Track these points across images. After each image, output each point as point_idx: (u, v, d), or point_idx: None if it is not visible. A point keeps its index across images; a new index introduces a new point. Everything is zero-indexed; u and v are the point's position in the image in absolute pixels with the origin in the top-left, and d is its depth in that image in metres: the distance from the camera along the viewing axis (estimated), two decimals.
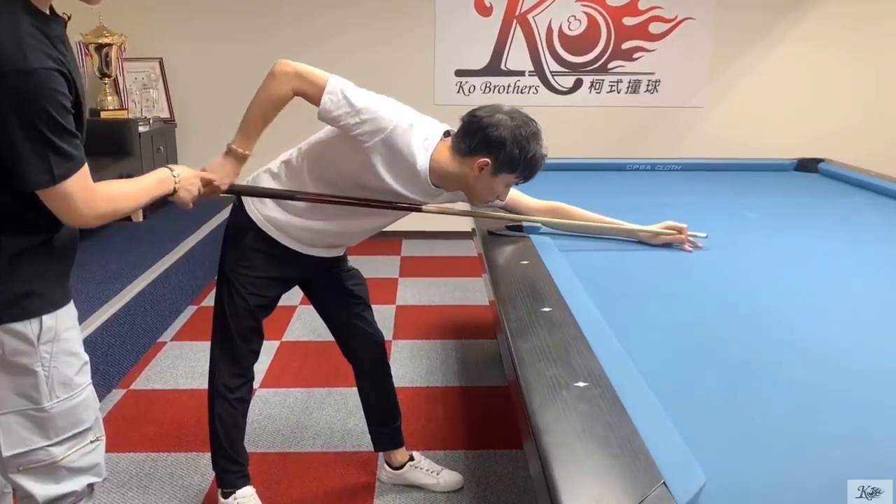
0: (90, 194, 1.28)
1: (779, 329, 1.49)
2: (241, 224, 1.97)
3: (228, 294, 1.99)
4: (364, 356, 2.21)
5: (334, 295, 2.16)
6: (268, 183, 1.96)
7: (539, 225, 2.03)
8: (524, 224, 2.02)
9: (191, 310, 3.81)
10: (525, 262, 1.67)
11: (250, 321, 2.02)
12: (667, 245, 2.01)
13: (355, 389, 2.29)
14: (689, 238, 2.00)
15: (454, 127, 1.87)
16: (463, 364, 3.20)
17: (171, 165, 1.58)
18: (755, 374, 1.29)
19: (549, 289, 1.48)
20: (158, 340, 3.40)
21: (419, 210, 1.91)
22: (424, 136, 1.80)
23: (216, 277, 2.05)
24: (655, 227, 2.01)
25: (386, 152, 1.76)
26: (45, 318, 1.32)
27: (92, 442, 1.47)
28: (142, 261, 3.56)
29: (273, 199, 1.92)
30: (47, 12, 1.24)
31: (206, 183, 1.70)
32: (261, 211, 1.95)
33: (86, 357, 1.46)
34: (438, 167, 1.80)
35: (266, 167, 2.00)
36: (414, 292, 4.11)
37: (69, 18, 1.31)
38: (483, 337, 3.49)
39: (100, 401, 2.83)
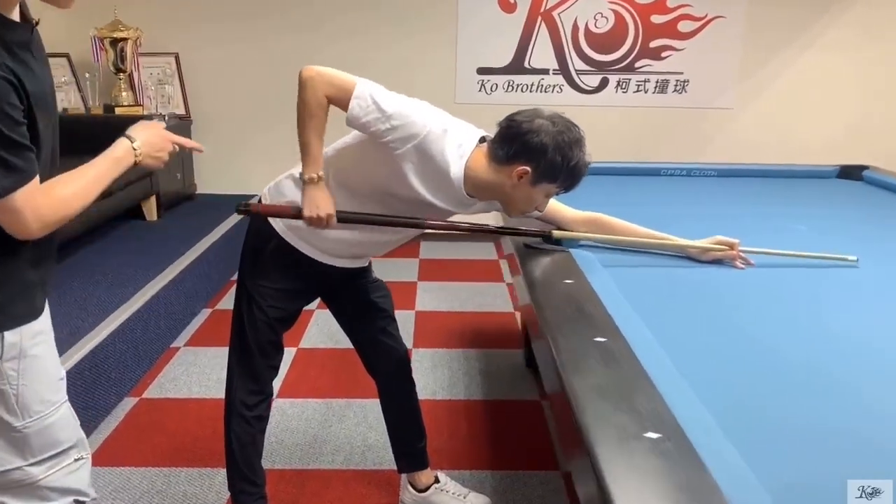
0: (37, 206, 1.19)
1: (862, 357, 1.36)
2: (262, 232, 1.86)
3: (248, 306, 1.88)
4: (389, 374, 2.10)
5: (358, 308, 2.05)
6: (290, 189, 1.84)
7: (578, 238, 1.89)
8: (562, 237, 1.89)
9: (205, 313, 3.71)
10: (569, 282, 1.54)
11: (270, 335, 1.91)
12: (716, 261, 1.87)
13: (375, 401, 2.18)
14: (741, 254, 1.87)
15: (490, 132, 1.75)
16: (486, 375, 3.07)
17: (129, 132, 1.39)
18: (847, 411, 1.15)
19: (600, 313, 1.35)
20: (171, 346, 3.29)
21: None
22: (459, 143, 1.68)
23: (235, 286, 1.94)
24: (705, 243, 1.87)
25: (418, 160, 1.65)
26: (6, 334, 1.24)
27: (76, 461, 1.41)
28: (155, 263, 3.46)
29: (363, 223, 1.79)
30: (12, 17, 1.16)
31: (182, 143, 1.54)
32: (283, 219, 1.83)
33: (61, 373, 1.39)
34: (473, 175, 1.68)
35: (288, 173, 1.88)
36: (433, 297, 3.99)
37: (37, 23, 1.22)
38: (507, 346, 3.37)
39: (111, 410, 2.76)
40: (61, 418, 1.38)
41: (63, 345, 2.50)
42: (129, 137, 1.39)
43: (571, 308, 1.38)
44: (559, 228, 1.92)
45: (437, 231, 1.86)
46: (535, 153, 1.61)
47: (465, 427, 2.65)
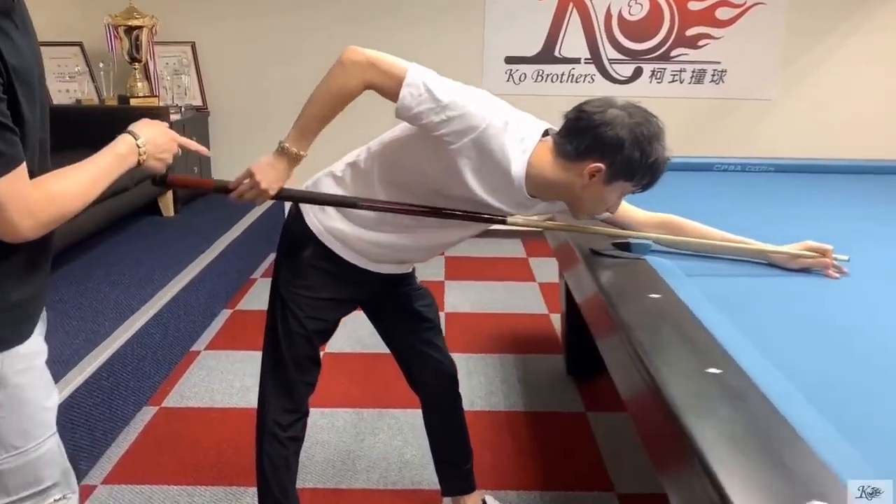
0: (25, 200, 1.01)
1: None
2: (298, 236, 1.68)
3: (283, 317, 1.71)
4: (434, 389, 1.92)
5: (401, 318, 1.87)
6: (330, 189, 1.67)
7: (650, 242, 1.70)
8: (632, 241, 1.70)
9: (225, 314, 3.54)
10: (656, 296, 1.35)
11: (307, 349, 1.73)
12: (804, 269, 1.68)
13: (410, 411, 2.02)
14: (834, 262, 1.67)
15: (555, 125, 1.57)
16: (525, 384, 2.89)
17: (133, 128, 1.24)
18: None
19: (704, 337, 1.16)
20: (192, 349, 3.12)
21: (503, 223, 1.61)
22: (521, 137, 1.49)
23: (269, 295, 1.76)
24: (793, 249, 1.68)
25: (476, 156, 1.46)
26: None
27: (57, 501, 1.25)
28: (173, 262, 3.29)
29: (334, 206, 1.62)
30: None
31: (186, 146, 1.39)
32: (322, 221, 1.65)
33: (50, 402, 1.23)
34: (537, 174, 1.49)
35: (328, 170, 1.71)
36: (463, 298, 3.81)
37: None
38: (544, 351, 3.18)
39: (129, 420, 2.59)
40: (45, 454, 1.21)
41: (79, 352, 2.35)
42: (132, 134, 1.23)
43: (668, 329, 1.19)
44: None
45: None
46: (610, 148, 1.43)
47: (509, 442, 2.47)
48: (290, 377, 1.73)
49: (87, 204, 1.13)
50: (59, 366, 2.24)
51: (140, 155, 1.22)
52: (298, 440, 1.81)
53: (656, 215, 1.75)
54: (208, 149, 4.54)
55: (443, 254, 4.49)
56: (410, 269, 1.85)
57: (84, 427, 2.22)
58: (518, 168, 1.48)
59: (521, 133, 1.50)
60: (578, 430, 2.54)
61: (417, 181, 1.57)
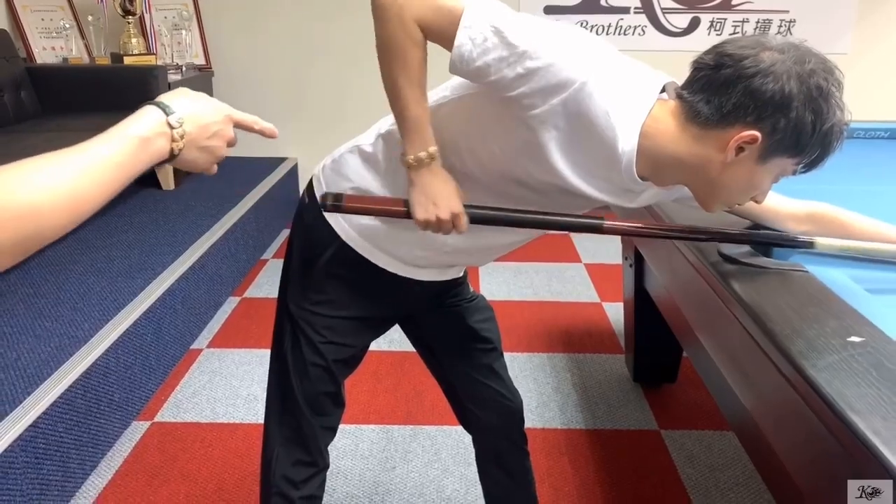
0: None
1: None
2: (314, 236, 1.23)
3: (294, 344, 1.27)
4: (495, 431, 1.47)
5: (450, 338, 1.42)
6: (356, 167, 1.22)
7: (800, 245, 1.23)
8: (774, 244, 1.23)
9: (232, 302, 3.10)
10: (857, 340, 0.88)
11: (326, 384, 1.29)
12: None
13: (447, 428, 1.62)
14: None
15: (679, 78, 1.10)
16: (584, 392, 2.44)
17: (165, 98, 0.76)
18: None
19: None
20: (192, 348, 2.70)
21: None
22: (631, 96, 1.02)
23: (276, 314, 1.32)
24: None
25: (567, 124, 1.00)
26: None
27: None
28: (172, 243, 2.86)
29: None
30: None
31: (247, 127, 0.88)
32: (346, 217, 1.19)
33: None
34: (653, 147, 1.03)
35: (353, 143, 1.25)
36: (501, 282, 3.35)
37: None
38: (601, 349, 2.73)
39: (116, 440, 2.17)
40: None
41: (49, 363, 1.92)
42: (161, 106, 0.75)
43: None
44: (761, 227, 1.27)
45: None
46: (772, 108, 0.97)
47: (571, 472, 2.03)
48: (305, 422, 1.30)
49: (80, 218, 0.68)
50: (21, 382, 1.82)
51: (174, 140, 0.75)
52: (316, 499, 1.38)
53: (808, 206, 1.28)
54: None
55: None
56: (461, 274, 1.40)
57: (54, 458, 1.80)
58: (628, 140, 1.02)
59: (631, 90, 1.03)
60: (655, 456, 2.10)
61: (479, 160, 1.11)
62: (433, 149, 1.05)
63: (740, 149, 1.00)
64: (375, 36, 1.03)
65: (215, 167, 0.84)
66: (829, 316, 0.94)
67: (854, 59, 4.16)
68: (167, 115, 0.74)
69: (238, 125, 0.85)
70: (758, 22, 4.15)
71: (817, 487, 0.87)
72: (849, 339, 0.87)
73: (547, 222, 1.12)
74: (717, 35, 4.16)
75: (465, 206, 1.07)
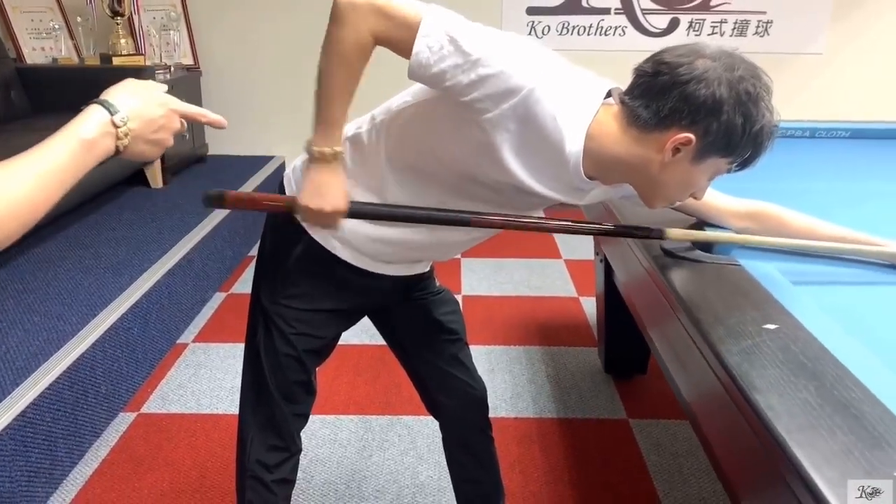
0: None
1: None
2: (284, 233, 1.31)
3: (266, 336, 1.34)
4: (460, 417, 1.56)
5: (417, 330, 1.50)
6: None
7: (736, 242, 1.31)
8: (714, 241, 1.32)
9: (217, 299, 3.18)
10: (772, 327, 0.97)
11: (297, 374, 1.37)
12: None
13: (422, 418, 1.67)
14: None
15: (621, 82, 1.18)
16: (557, 383, 2.53)
17: (108, 96, 0.81)
18: None
19: (870, 408, 0.78)
20: (178, 342, 2.77)
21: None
22: (577, 101, 1.10)
23: (249, 307, 1.40)
24: None
25: (518, 127, 1.08)
26: None
27: None
28: (159, 240, 2.93)
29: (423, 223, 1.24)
30: None
31: (194, 119, 0.92)
32: None
33: None
34: (598, 149, 1.11)
35: None
36: (481, 278, 3.43)
37: None
38: (576, 343, 2.81)
39: (103, 430, 2.25)
40: None
41: (38, 356, 2.00)
42: (105, 105, 0.80)
43: (809, 394, 0.81)
44: (705, 224, 1.35)
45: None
46: (705, 112, 1.04)
47: (541, 459, 2.11)
48: (278, 410, 1.38)
49: (30, 225, 0.72)
50: (10, 374, 1.89)
51: (119, 138, 0.80)
52: (289, 483, 1.46)
53: (747, 204, 1.36)
54: None
55: None
56: (427, 269, 1.48)
57: (42, 447, 1.88)
58: (574, 142, 1.10)
59: (577, 95, 1.11)
60: (624, 445, 2.18)
61: (440, 161, 1.19)
62: (339, 149, 1.13)
63: (676, 150, 1.08)
64: (327, 31, 1.08)
65: (162, 152, 0.88)
66: (751, 306, 1.03)
67: (829, 58, 4.27)
68: (112, 114, 0.79)
69: (184, 117, 0.89)
70: (735, 23, 4.24)
71: (744, 478, 0.93)
72: (764, 327, 0.95)
73: (416, 216, 1.19)
74: (696, 35, 4.25)
75: (352, 203, 1.15)
